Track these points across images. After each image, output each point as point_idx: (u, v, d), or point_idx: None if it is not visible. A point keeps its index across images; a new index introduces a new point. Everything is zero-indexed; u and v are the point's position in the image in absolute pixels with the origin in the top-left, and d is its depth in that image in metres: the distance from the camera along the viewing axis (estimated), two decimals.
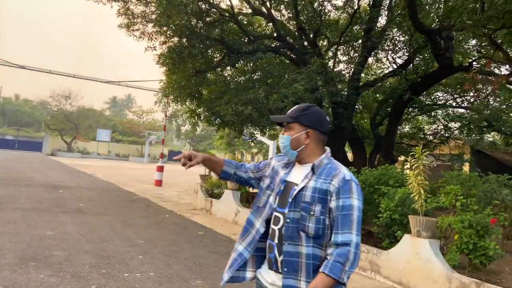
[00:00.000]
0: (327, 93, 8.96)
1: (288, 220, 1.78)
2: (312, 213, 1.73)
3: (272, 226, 1.87)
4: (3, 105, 66.22)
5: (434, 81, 9.74)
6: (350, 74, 11.07)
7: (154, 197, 13.15)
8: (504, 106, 11.62)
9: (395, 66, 11.36)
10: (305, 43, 11.21)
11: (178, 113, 48.49)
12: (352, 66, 11.32)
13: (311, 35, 10.32)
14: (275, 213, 1.86)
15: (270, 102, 8.52)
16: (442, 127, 14.00)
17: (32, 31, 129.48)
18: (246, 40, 10.14)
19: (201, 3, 9.04)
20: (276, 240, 1.82)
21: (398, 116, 10.59)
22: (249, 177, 2.11)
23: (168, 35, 9.61)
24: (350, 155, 13.10)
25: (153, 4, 9.68)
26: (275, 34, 11.12)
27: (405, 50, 10.60)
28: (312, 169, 1.83)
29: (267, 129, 12.46)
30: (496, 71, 9.68)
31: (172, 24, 8.41)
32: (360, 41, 10.88)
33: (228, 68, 10.97)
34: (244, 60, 10.41)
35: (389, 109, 12.66)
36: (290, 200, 1.80)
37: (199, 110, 10.55)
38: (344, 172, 1.79)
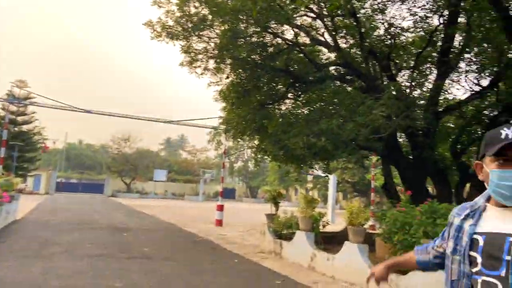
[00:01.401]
0: (408, 119, 8.03)
1: None
2: None
3: None
4: (68, 150, 70.69)
5: None
6: (427, 99, 10.07)
7: (217, 238, 12.52)
8: None
9: (477, 88, 10.20)
10: (373, 69, 10.48)
11: (231, 150, 48.80)
12: (427, 90, 10.33)
13: (383, 59, 9.54)
14: (483, 278, 1.34)
15: (346, 132, 7.74)
16: None
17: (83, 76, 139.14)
18: (312, 69, 9.58)
19: (265, 33, 8.66)
20: None
21: None
22: (441, 254, 1.67)
23: (231, 69, 9.30)
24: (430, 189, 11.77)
25: (214, 39, 9.49)
26: (338, 61, 10.51)
27: (491, 68, 9.46)
28: None
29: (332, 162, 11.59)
30: None
31: (236, 56, 8.05)
32: (434, 63, 9.94)
33: (293, 100, 10.43)
34: (309, 91, 9.82)
35: (473, 135, 11.36)
36: (505, 257, 1.30)
37: (263, 145, 9.96)
38: None
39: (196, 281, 6.54)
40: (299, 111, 9.37)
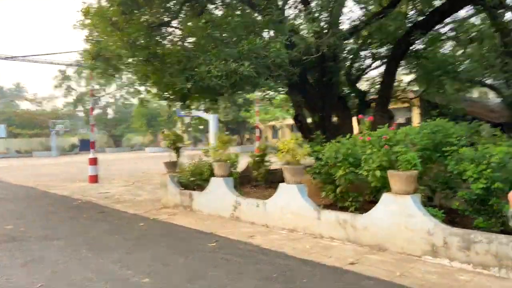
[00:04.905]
0: (335, 38, 7.01)
1: None
2: None
3: None
4: None
5: (441, 18, 8.36)
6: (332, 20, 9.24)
7: (100, 198, 10.28)
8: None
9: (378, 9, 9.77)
10: None
11: (85, 96, 42.94)
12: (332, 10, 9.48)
13: None
14: None
15: (272, 54, 6.35)
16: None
17: None
18: None
19: None
20: None
21: (396, 63, 9.11)
22: None
23: None
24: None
25: None
26: None
27: None
28: None
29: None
30: None
31: None
32: None
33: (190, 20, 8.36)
34: (209, 9, 7.94)
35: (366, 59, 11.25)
36: None
37: (161, 78, 7.81)
38: None
39: (106, 265, 4.70)
40: (205, 32, 7.41)
